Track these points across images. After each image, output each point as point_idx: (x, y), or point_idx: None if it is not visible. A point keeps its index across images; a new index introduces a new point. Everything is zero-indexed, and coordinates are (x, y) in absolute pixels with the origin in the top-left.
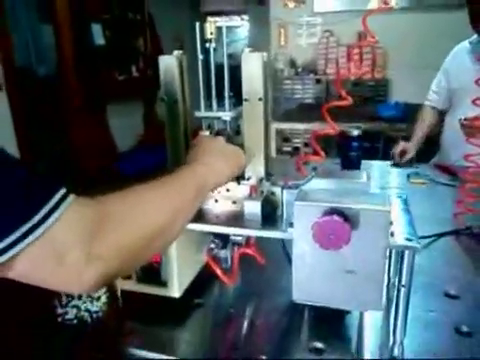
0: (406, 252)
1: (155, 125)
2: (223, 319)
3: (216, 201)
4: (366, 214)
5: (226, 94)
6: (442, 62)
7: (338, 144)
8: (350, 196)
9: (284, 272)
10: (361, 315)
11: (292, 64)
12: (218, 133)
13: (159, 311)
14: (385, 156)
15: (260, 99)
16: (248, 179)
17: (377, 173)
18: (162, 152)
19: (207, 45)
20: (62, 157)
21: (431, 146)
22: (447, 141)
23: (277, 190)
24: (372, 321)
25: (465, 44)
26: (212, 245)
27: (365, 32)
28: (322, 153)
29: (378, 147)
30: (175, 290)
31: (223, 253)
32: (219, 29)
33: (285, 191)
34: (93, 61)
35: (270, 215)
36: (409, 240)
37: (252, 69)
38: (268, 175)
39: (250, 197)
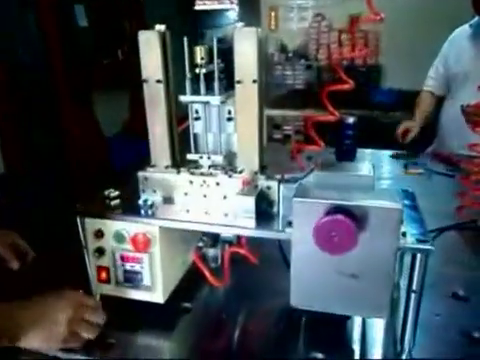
0: (418, 255)
1: (142, 111)
2: (214, 326)
3: (205, 196)
4: (375, 212)
5: (216, 76)
6: (437, 47)
7: (331, 132)
8: (355, 192)
9: (279, 272)
10: (363, 321)
11: (282, 49)
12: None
13: (142, 317)
14: (379, 144)
15: (254, 81)
16: (240, 172)
17: (373, 162)
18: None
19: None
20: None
21: (427, 134)
22: (446, 129)
23: (273, 184)
24: (375, 327)
25: (465, 28)
26: (200, 243)
27: (370, 10)
28: (320, 142)
29: (371, 135)
30: (159, 295)
31: (212, 252)
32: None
33: (282, 185)
34: (78, 44)
35: (265, 212)
36: (422, 242)
37: (245, 47)
38: (263, 167)
39: (243, 192)
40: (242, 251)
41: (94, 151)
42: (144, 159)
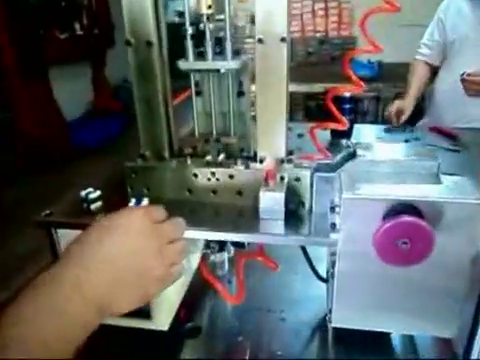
0: None
1: (106, 90)
2: (228, 351)
3: (214, 193)
4: (453, 210)
5: (227, 35)
6: (415, 18)
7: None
8: (420, 183)
9: (300, 277)
10: (411, 338)
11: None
12: None
13: (140, 347)
14: (363, 118)
15: (283, 39)
16: (261, 161)
17: (369, 139)
18: (116, 120)
19: None
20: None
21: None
22: (441, 100)
23: (304, 175)
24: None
25: None
26: (206, 250)
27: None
28: (343, 118)
29: (353, 108)
30: (162, 321)
31: (219, 256)
32: None
33: (316, 176)
34: (29, 18)
35: (294, 212)
36: None
37: None
38: (289, 154)
39: (267, 186)
40: (259, 257)
41: (50, 130)
42: (116, 140)
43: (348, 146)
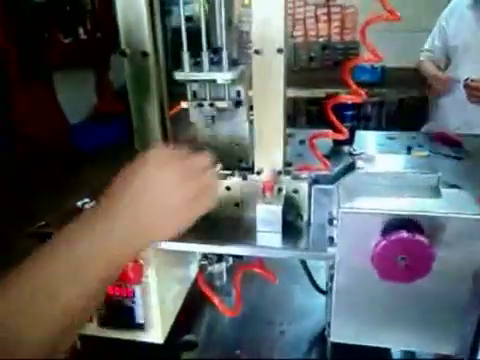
0: None
1: (110, 94)
2: None
3: None
4: (454, 225)
5: (223, 45)
6: (418, 23)
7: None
8: (419, 197)
9: (302, 288)
10: (412, 354)
11: None
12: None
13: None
14: (366, 123)
15: (280, 51)
16: (259, 173)
17: (372, 145)
18: (120, 124)
19: None
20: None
21: (418, 112)
22: (444, 107)
23: (302, 186)
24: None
25: None
26: (203, 261)
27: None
28: (343, 128)
29: (356, 114)
30: (157, 333)
31: (217, 267)
32: None
33: (314, 188)
34: (32, 21)
35: (292, 224)
36: None
37: (269, 3)
38: (287, 165)
39: (264, 199)
40: (257, 269)
41: (53, 133)
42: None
43: (350, 153)
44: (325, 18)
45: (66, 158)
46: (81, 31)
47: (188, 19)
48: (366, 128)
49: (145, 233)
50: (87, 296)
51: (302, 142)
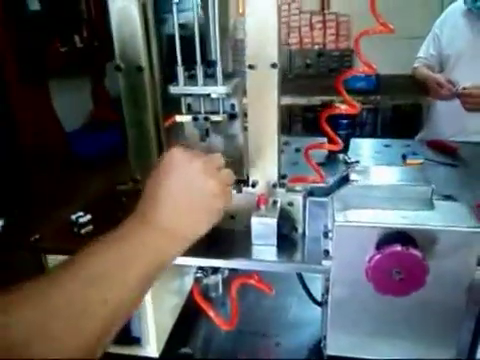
0: None
1: (105, 102)
2: None
3: None
4: (448, 238)
5: (218, 59)
6: (413, 30)
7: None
8: (413, 209)
9: (299, 300)
10: None
11: None
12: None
13: None
14: (362, 130)
15: (274, 65)
16: (253, 185)
17: (367, 153)
18: (116, 132)
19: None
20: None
21: (413, 119)
22: (438, 113)
23: (296, 199)
24: None
25: (459, 5)
26: (199, 273)
27: (377, 21)
28: (338, 139)
29: (351, 122)
30: (152, 348)
31: (212, 279)
32: None
33: (309, 201)
34: (29, 30)
35: (287, 236)
36: None
37: (261, 17)
38: (282, 178)
39: (259, 211)
40: (253, 282)
41: (49, 140)
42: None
43: (345, 161)
44: (320, 26)
45: (62, 165)
46: (77, 39)
47: (182, 27)
48: (361, 135)
49: (178, 235)
50: (128, 300)
51: (298, 150)
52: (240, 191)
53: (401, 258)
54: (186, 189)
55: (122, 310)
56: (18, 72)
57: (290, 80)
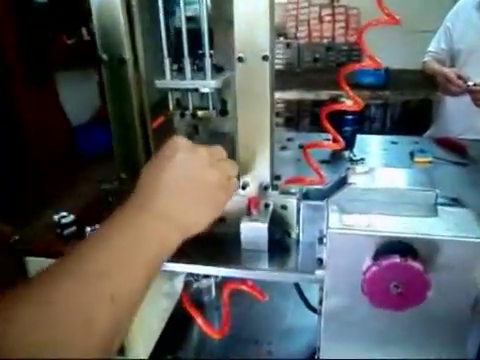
0: None
1: None
2: None
3: None
4: (452, 249)
5: (206, 52)
6: (420, 25)
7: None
8: (414, 216)
9: (294, 305)
10: None
11: None
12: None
13: None
14: (370, 126)
15: (265, 58)
16: (244, 187)
17: (374, 150)
18: None
19: None
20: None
21: (422, 116)
22: (448, 110)
23: (290, 202)
24: None
25: None
26: (189, 278)
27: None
28: (339, 137)
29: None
30: (139, 354)
31: (205, 282)
32: None
33: (303, 205)
34: (35, 23)
35: (280, 242)
36: None
37: (253, 5)
38: (275, 179)
39: (249, 216)
40: (245, 287)
41: (55, 135)
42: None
43: (350, 158)
44: (329, 19)
45: (66, 162)
46: (85, 32)
47: (189, 19)
48: (369, 131)
49: (180, 224)
50: (135, 292)
51: (302, 147)
52: None
53: (400, 271)
54: (189, 178)
55: (131, 304)
56: (24, 67)
57: (298, 74)
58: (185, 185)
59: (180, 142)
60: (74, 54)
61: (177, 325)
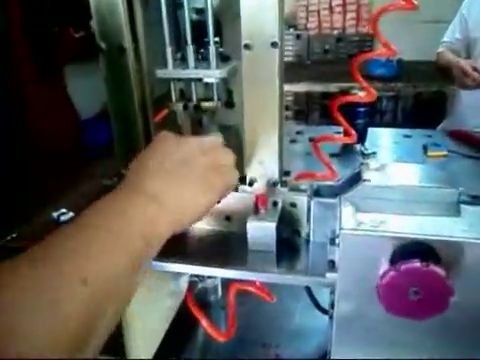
0: None
1: None
2: None
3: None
4: (476, 251)
5: (210, 39)
6: (434, 14)
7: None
8: (436, 216)
9: (303, 306)
10: None
11: None
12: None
13: None
14: (381, 119)
15: (274, 44)
16: (251, 184)
17: (385, 143)
18: None
19: None
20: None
21: (436, 108)
22: (464, 103)
23: (300, 199)
24: None
25: None
26: (193, 278)
27: None
28: (352, 130)
29: (370, 110)
30: (141, 354)
31: (210, 282)
32: None
33: (314, 202)
34: (42, 16)
35: (289, 242)
36: None
37: None
38: (284, 175)
39: (256, 214)
40: (252, 289)
41: (63, 128)
42: None
43: (361, 152)
44: (340, 9)
45: (75, 156)
46: (92, 24)
47: (199, 11)
48: (381, 124)
49: (169, 207)
50: (114, 279)
51: (312, 140)
52: (236, 190)
53: (420, 276)
54: (178, 161)
55: (111, 288)
56: (32, 60)
57: (308, 66)
58: (172, 167)
59: (169, 135)
60: (82, 47)
61: (182, 325)
